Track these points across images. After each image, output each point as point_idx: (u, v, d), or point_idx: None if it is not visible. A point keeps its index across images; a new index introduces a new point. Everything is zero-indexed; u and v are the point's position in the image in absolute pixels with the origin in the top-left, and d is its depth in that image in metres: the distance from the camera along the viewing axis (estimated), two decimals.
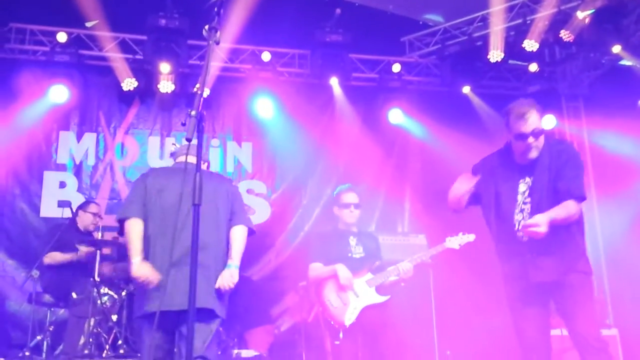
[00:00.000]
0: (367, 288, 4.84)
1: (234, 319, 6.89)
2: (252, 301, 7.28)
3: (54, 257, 6.20)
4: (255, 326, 7.14)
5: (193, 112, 2.83)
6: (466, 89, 8.53)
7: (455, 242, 5.00)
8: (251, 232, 4.26)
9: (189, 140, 2.87)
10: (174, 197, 3.83)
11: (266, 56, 8.01)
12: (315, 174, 8.54)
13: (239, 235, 4.15)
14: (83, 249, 6.19)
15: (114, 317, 5.82)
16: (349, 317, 4.74)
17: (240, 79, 8.26)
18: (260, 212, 8.25)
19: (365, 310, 4.78)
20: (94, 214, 6.68)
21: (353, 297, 4.80)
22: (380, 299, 4.83)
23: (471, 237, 5.00)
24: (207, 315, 3.81)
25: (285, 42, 8.23)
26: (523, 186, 3.65)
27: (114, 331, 5.82)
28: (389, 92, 8.45)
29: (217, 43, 3.06)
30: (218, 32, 3.05)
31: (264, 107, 8.17)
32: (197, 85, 2.94)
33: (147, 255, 3.85)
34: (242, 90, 8.21)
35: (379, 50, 8.59)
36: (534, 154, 3.62)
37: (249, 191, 8.31)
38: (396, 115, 8.46)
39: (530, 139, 3.56)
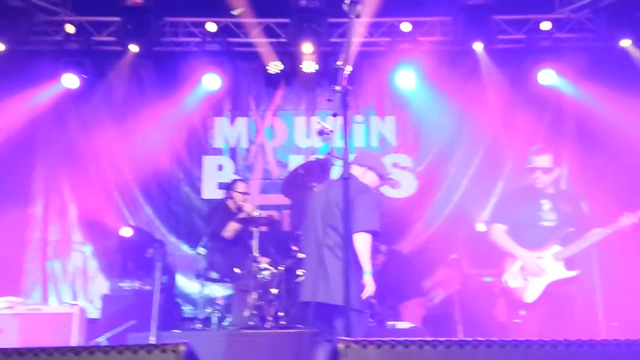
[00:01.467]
0: (553, 262, 4.50)
1: (388, 292, 6.97)
2: (403, 274, 7.30)
3: (230, 227, 6.69)
4: (408, 299, 7.15)
5: (338, 88, 2.87)
6: (625, 43, 7.80)
7: None
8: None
9: (335, 115, 2.92)
10: (316, 205, 4.28)
11: (406, 27, 7.86)
12: (461, 144, 8.32)
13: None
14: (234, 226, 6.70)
15: (275, 291, 6.08)
16: (530, 294, 4.49)
17: (380, 53, 8.22)
18: (406, 185, 8.22)
19: (550, 286, 4.47)
20: (242, 193, 6.99)
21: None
22: (568, 274, 4.48)
23: None
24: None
25: (424, 10, 8.02)
26: None
27: (275, 304, 6.10)
28: (539, 53, 7.95)
29: (358, 17, 3.07)
30: (359, 6, 3.05)
31: (406, 79, 8.06)
32: (339, 62, 2.96)
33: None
34: (383, 63, 8.17)
35: (526, 9, 8.09)
36: None
37: (394, 165, 8.29)
38: (547, 76, 7.95)
39: None
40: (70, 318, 5.98)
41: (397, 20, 7.95)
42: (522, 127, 7.97)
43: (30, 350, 2.05)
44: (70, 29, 7.74)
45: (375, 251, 7.02)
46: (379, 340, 2.08)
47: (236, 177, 7.93)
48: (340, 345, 2.08)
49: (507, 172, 8.07)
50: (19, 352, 2.05)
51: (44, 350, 2.05)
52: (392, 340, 2.08)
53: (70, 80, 7.78)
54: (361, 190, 4.14)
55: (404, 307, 7.09)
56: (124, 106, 8.06)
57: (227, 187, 7.18)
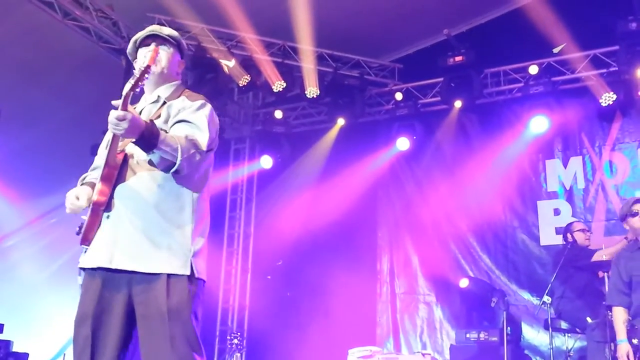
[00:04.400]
0: None
1: None
2: None
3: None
4: None
5: None
6: None
7: None
8: None
9: None
10: None
11: None
12: None
13: None
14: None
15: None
16: None
17: None
18: None
19: None
20: (582, 230, 6.57)
21: None
22: None
23: None
24: None
25: None
26: None
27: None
28: None
29: None
30: None
31: None
32: None
33: None
34: None
35: None
36: None
37: None
38: None
39: None
40: None
41: None
42: None
43: None
44: (399, 96, 8.42)
45: None
46: None
47: (574, 219, 7.49)
48: None
49: None
50: None
51: None
52: None
53: (404, 143, 8.40)
54: None
55: None
56: (453, 160, 8.36)
57: (565, 230, 6.82)
